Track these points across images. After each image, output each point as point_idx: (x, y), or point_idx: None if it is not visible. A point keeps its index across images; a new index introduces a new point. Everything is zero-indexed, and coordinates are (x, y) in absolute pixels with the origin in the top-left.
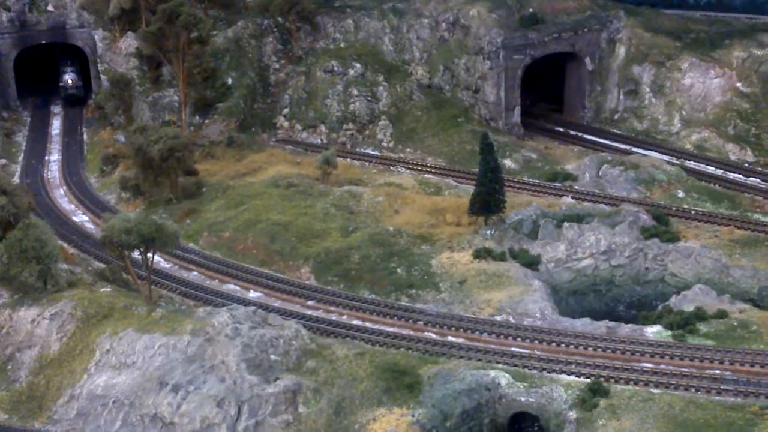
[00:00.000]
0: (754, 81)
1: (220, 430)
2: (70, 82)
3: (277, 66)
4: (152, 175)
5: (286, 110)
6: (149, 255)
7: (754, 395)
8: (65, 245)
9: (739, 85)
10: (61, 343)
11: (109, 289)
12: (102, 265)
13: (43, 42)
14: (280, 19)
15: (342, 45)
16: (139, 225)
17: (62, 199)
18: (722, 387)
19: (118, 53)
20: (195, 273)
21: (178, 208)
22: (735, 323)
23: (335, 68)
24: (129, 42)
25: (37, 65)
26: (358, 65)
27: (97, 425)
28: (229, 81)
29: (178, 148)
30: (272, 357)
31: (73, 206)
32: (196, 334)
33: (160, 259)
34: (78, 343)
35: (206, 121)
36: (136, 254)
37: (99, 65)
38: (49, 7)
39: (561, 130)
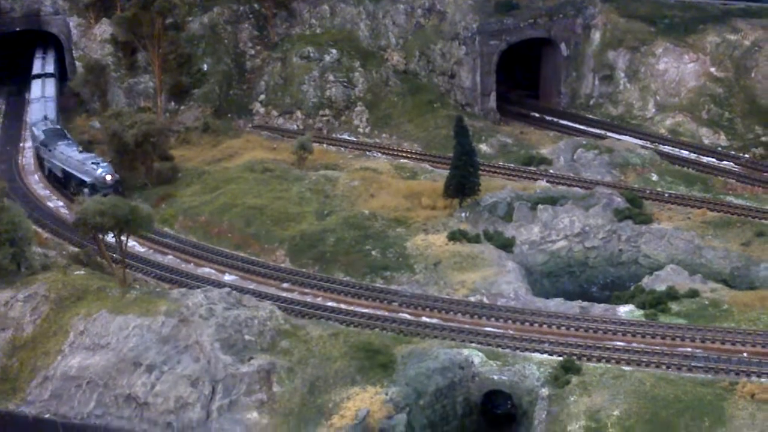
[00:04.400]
0: (727, 66)
1: (194, 410)
2: (108, 177)
3: (253, 52)
4: (127, 160)
5: (262, 96)
6: (123, 237)
7: (724, 372)
8: (40, 230)
9: (712, 70)
10: (35, 325)
11: (83, 272)
12: (77, 249)
13: (18, 29)
14: (256, 5)
15: (318, 31)
16: (113, 207)
17: (37, 185)
18: (693, 364)
19: (93, 40)
20: (170, 257)
21: (153, 193)
22: (706, 302)
23: (311, 54)
24: (104, 28)
25: (11, 53)
26: (334, 51)
27: (71, 406)
28: (205, 67)
29: (152, 134)
30: (246, 337)
31: (48, 192)
32: (170, 315)
33: (135, 243)
34: (52, 324)
35: (182, 107)
36: (110, 238)
37: (74, 52)
38: None
39: (537, 115)
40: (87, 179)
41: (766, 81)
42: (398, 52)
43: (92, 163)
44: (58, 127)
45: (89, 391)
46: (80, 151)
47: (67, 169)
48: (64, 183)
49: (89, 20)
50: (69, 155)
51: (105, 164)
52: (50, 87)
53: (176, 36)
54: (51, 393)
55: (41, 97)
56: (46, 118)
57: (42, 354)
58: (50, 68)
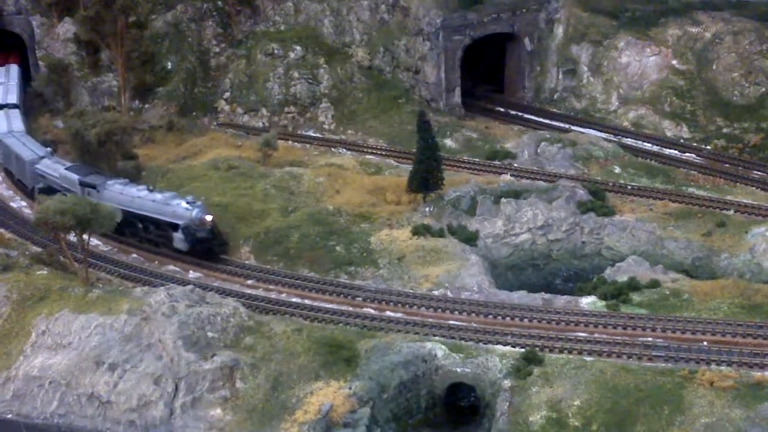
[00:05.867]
0: (689, 58)
1: (157, 408)
2: (208, 218)
3: (218, 50)
4: (90, 159)
5: (227, 94)
6: (85, 236)
7: (684, 360)
8: (2, 230)
9: (674, 62)
10: None
11: (45, 272)
12: (39, 249)
13: None
14: (219, 2)
15: (282, 28)
16: (74, 206)
17: (0, 186)
18: (653, 353)
19: (56, 39)
20: (134, 255)
21: None
22: (667, 292)
23: (276, 51)
24: (67, 27)
25: None
26: (298, 48)
27: (33, 406)
28: (169, 65)
29: (115, 132)
30: (209, 334)
31: (11, 192)
32: (132, 314)
33: (99, 243)
34: (13, 325)
35: (146, 105)
36: (72, 237)
37: (37, 51)
38: None
39: (502, 110)
40: (179, 222)
41: (727, 73)
42: (362, 48)
43: (185, 202)
44: (82, 164)
45: (52, 391)
46: (150, 189)
47: (139, 212)
48: (123, 229)
49: (52, 19)
50: (137, 195)
51: (199, 203)
52: (17, 120)
53: (139, 34)
54: (13, 393)
55: (9, 131)
56: (52, 153)
57: (4, 354)
58: (13, 97)
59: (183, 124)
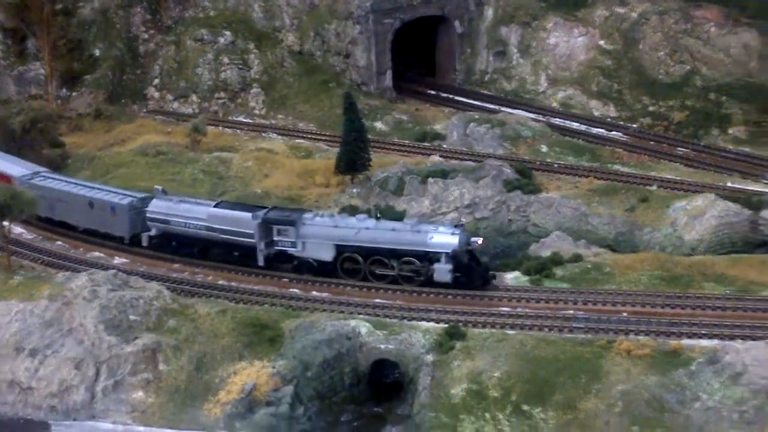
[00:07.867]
0: (616, 38)
1: (78, 392)
2: (480, 241)
3: (147, 36)
4: (15, 147)
5: (156, 81)
6: (5, 223)
7: (603, 331)
8: None
9: (602, 42)
10: None
11: None
12: None
13: None
14: None
15: (212, 13)
16: None
17: None
18: (573, 325)
19: None
20: (59, 243)
21: None
22: (589, 266)
23: (205, 37)
24: None
25: None
26: (228, 33)
27: None
28: (97, 53)
29: (40, 120)
30: (131, 317)
31: None
32: (53, 299)
33: (23, 231)
34: None
35: (74, 93)
36: None
37: None
38: None
39: (432, 92)
40: (443, 251)
41: (653, 52)
42: (293, 32)
43: (442, 227)
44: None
45: None
46: (378, 217)
47: (369, 245)
48: (330, 267)
49: None
50: (363, 226)
51: (461, 224)
52: (19, 160)
53: (66, 21)
54: None
55: (35, 172)
56: (164, 192)
57: None
58: None
59: (111, 111)
